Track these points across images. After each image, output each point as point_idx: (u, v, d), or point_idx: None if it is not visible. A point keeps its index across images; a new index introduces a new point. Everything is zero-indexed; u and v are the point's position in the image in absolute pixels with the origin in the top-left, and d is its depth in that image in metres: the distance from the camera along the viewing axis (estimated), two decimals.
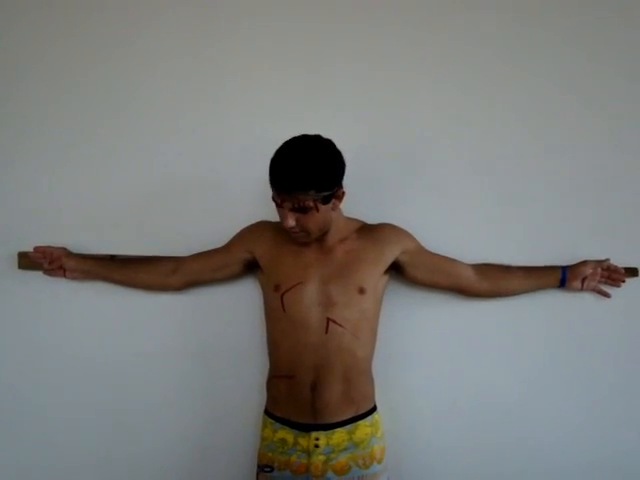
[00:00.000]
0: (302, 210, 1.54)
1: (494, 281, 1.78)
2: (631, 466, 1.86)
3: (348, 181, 1.60)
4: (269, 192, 1.56)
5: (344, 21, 1.88)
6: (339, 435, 1.64)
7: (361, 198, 1.80)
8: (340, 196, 1.60)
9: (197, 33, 1.89)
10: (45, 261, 1.81)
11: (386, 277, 1.72)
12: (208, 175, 1.88)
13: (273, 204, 1.58)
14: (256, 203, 1.82)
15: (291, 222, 1.55)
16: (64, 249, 1.82)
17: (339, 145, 1.57)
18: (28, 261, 1.83)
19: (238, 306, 1.85)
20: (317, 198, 1.53)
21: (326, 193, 1.54)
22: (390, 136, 1.88)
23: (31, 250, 1.82)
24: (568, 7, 1.87)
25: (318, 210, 1.55)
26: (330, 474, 1.62)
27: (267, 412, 1.71)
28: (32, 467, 1.90)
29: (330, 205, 1.58)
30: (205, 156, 1.89)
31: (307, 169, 1.50)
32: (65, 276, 1.82)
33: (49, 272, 1.82)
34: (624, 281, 1.82)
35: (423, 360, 1.85)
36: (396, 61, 1.88)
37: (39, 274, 1.83)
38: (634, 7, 1.87)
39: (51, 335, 1.89)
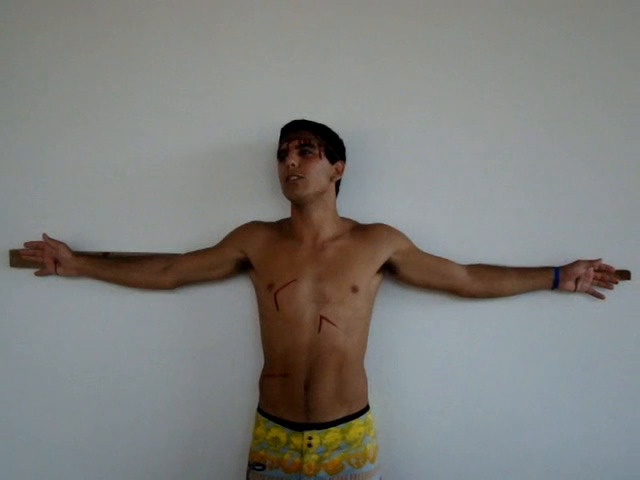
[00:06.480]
0: (306, 151, 1.61)
1: (488, 282, 1.78)
2: (627, 469, 1.86)
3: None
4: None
5: (342, 16, 1.87)
6: (332, 434, 1.64)
7: (354, 198, 1.80)
8: (340, 169, 1.69)
9: (197, 25, 1.88)
10: (36, 258, 1.80)
11: (379, 277, 1.72)
12: (202, 174, 1.87)
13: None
14: (249, 202, 1.82)
15: (294, 159, 1.61)
16: (64, 244, 1.79)
17: None
18: (20, 259, 1.82)
19: (232, 305, 1.85)
20: (322, 144, 1.61)
21: (330, 147, 1.63)
22: (383, 135, 1.86)
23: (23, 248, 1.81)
24: (569, 5, 1.87)
25: (321, 157, 1.62)
26: (323, 473, 1.62)
27: (260, 410, 1.71)
28: (27, 466, 1.89)
29: (333, 167, 1.65)
30: (199, 155, 1.88)
31: (316, 122, 1.67)
32: (57, 272, 1.80)
33: (41, 272, 1.82)
34: (617, 282, 1.82)
35: (416, 360, 1.85)
36: (393, 57, 1.87)
37: (31, 272, 1.83)
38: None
39: (44, 334, 1.88)
